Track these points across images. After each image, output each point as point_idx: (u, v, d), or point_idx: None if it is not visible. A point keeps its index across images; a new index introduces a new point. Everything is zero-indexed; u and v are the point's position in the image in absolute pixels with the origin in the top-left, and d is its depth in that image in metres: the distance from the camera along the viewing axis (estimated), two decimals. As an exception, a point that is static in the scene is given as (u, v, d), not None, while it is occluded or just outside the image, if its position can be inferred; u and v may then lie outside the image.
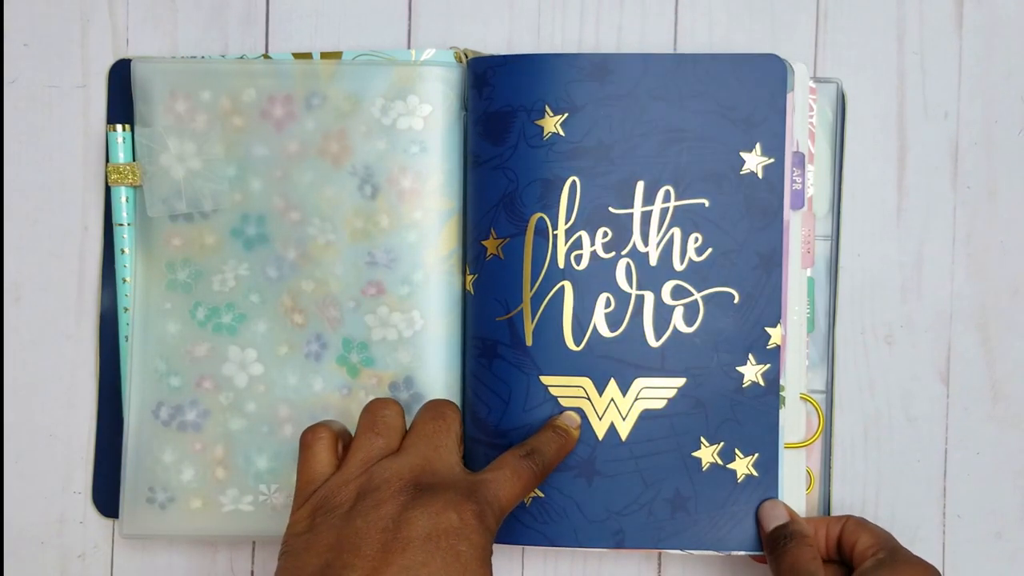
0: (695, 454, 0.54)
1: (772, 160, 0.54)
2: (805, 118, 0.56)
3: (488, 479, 0.49)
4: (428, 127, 0.57)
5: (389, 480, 0.48)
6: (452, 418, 0.52)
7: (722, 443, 0.54)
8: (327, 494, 0.48)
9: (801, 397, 0.56)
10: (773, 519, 0.53)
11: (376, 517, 0.46)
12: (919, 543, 0.59)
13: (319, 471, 0.50)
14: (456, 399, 0.57)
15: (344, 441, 0.51)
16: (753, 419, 0.54)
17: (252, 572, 0.60)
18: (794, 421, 0.56)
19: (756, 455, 0.54)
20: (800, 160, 0.56)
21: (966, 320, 0.59)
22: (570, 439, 0.54)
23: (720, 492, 0.54)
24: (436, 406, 0.53)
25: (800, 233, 0.56)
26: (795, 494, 0.56)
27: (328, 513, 0.47)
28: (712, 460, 0.55)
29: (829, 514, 0.58)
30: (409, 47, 0.60)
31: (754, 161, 0.54)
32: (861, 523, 0.53)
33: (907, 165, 0.59)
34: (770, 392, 0.54)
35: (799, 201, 0.56)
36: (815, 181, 0.57)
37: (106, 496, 0.60)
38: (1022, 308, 0.59)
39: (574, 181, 0.54)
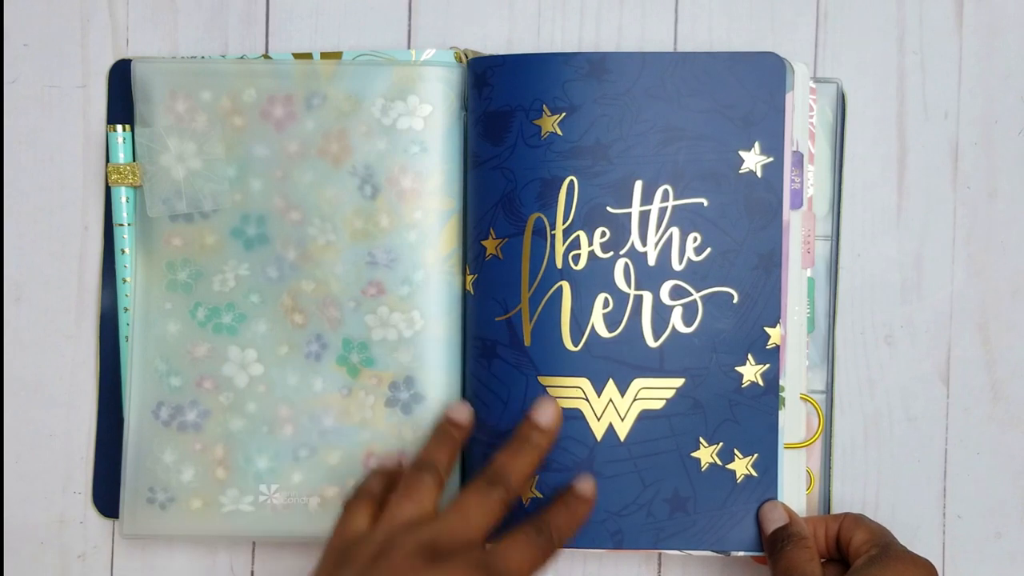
0: (694, 454, 0.54)
1: (771, 159, 0.54)
2: (805, 118, 0.56)
3: (501, 550, 0.49)
4: (428, 127, 0.57)
5: (406, 544, 0.48)
6: (499, 496, 0.51)
7: (721, 443, 0.54)
8: (351, 549, 0.49)
9: (801, 397, 0.56)
10: (772, 522, 0.53)
11: None
12: (919, 543, 0.58)
13: (352, 530, 0.50)
14: (456, 399, 0.57)
15: (388, 490, 0.52)
16: (752, 419, 0.54)
17: (252, 572, 0.60)
18: (794, 421, 0.56)
19: (755, 455, 0.54)
20: (799, 160, 0.56)
21: (966, 320, 0.59)
22: (583, 508, 0.53)
23: (719, 492, 0.54)
24: (490, 478, 0.51)
25: (800, 233, 0.56)
26: (795, 494, 0.55)
27: (346, 568, 0.48)
28: (711, 460, 0.54)
29: (829, 514, 0.58)
30: (409, 47, 0.60)
31: (753, 160, 0.54)
32: (858, 520, 0.53)
33: (907, 165, 0.59)
34: (769, 392, 0.54)
35: (798, 200, 0.56)
36: (815, 181, 0.57)
37: (106, 496, 0.60)
38: (1022, 308, 0.59)
39: (572, 181, 0.54)
